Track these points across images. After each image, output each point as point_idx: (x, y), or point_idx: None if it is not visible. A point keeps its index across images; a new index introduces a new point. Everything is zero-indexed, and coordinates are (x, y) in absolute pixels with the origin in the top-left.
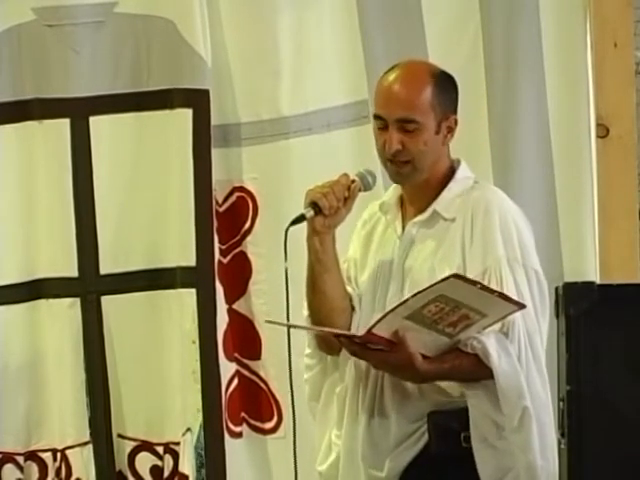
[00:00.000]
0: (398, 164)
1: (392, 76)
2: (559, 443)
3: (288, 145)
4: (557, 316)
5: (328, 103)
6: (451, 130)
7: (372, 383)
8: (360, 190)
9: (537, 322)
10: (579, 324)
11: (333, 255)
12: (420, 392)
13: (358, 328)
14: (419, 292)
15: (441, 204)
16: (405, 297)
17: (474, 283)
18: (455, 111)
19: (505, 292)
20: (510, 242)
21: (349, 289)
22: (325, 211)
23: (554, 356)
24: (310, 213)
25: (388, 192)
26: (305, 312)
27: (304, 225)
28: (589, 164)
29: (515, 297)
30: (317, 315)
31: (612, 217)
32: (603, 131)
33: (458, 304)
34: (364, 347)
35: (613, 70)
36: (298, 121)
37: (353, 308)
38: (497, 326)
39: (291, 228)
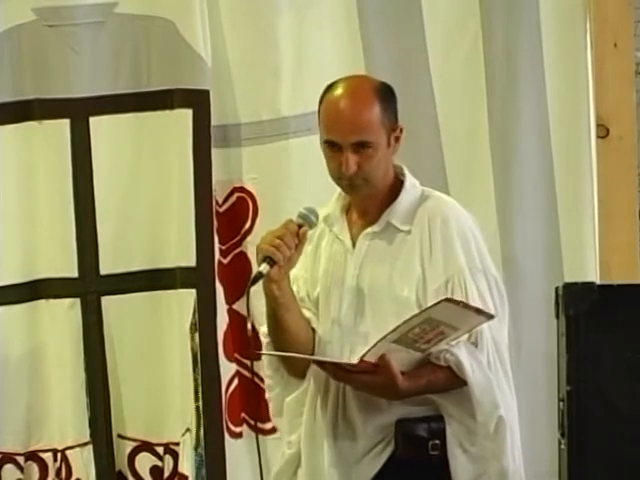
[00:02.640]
0: (352, 180)
1: (338, 98)
2: (559, 443)
3: (288, 145)
4: (557, 316)
5: None
6: (398, 139)
7: (333, 395)
8: (308, 231)
9: (500, 327)
10: (579, 324)
11: (291, 294)
12: (388, 404)
13: (318, 345)
14: (411, 317)
15: (394, 215)
16: (397, 323)
17: (458, 303)
18: (397, 119)
19: (472, 302)
20: (469, 251)
21: (307, 314)
22: (280, 263)
23: (554, 356)
24: (266, 269)
25: (330, 203)
26: (264, 339)
27: None
28: (589, 164)
29: (480, 306)
30: (282, 350)
31: (612, 217)
32: (603, 131)
33: (439, 323)
34: (348, 372)
35: (613, 70)
36: (298, 121)
37: (314, 330)
38: (465, 336)
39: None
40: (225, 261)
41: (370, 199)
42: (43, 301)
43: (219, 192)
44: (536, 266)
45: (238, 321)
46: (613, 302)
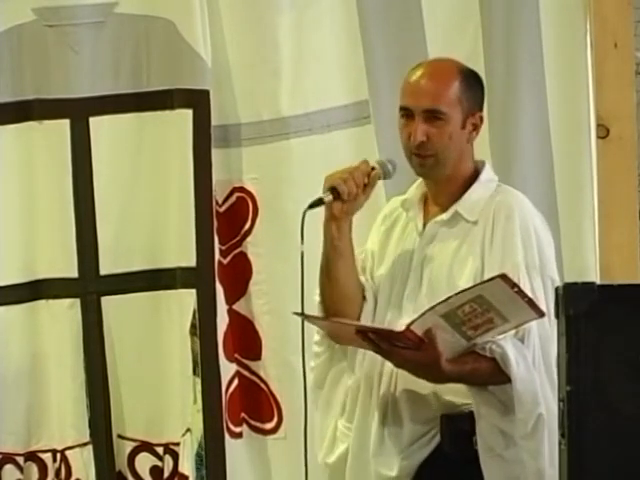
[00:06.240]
0: (422, 156)
1: (419, 71)
2: (559, 443)
3: (288, 145)
4: (557, 316)
5: (328, 103)
6: (476, 127)
7: (385, 383)
8: (380, 178)
9: (551, 330)
10: (579, 324)
11: (349, 242)
12: (434, 394)
13: (373, 322)
14: (463, 290)
15: (463, 206)
16: (448, 295)
17: (512, 286)
18: (481, 109)
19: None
20: (529, 249)
21: (362, 279)
22: (344, 196)
23: None
24: (329, 198)
25: (411, 189)
26: (317, 298)
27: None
28: (589, 164)
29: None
30: (328, 301)
31: (612, 217)
32: (603, 131)
33: (490, 307)
34: (391, 344)
35: (613, 70)
36: (298, 121)
37: (364, 298)
38: (512, 331)
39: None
40: (225, 261)
41: (445, 187)
42: (43, 301)
43: (219, 192)
44: None
45: (238, 321)
46: (613, 302)
